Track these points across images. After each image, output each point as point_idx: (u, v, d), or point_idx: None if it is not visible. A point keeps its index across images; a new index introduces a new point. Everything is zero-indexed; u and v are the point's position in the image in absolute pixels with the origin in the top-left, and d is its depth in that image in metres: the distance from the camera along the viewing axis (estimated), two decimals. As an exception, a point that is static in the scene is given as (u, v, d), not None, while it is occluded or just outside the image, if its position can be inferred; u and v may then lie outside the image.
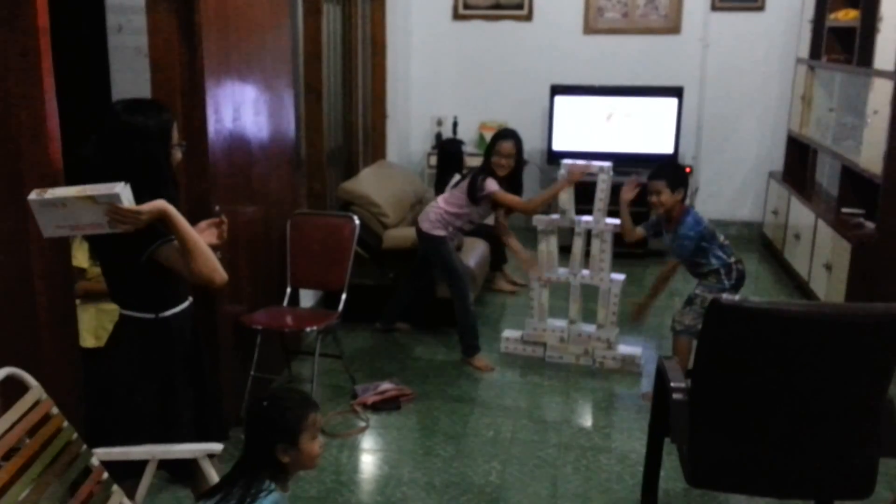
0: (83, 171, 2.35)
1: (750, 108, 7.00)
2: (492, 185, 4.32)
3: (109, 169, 2.28)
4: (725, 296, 2.54)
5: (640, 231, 4.19)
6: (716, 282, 3.87)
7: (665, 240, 4.08)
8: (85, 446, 2.26)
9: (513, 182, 4.45)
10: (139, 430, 2.39)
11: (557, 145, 6.77)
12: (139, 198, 2.21)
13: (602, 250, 4.40)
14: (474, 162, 5.58)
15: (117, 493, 2.30)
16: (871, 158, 4.73)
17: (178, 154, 2.44)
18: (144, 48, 3.32)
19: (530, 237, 5.05)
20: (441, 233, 4.45)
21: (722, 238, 3.92)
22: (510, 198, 4.37)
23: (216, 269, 2.30)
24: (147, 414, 2.42)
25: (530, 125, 7.14)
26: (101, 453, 2.29)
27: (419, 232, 4.54)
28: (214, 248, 2.47)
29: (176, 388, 2.45)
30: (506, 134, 4.44)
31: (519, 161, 4.40)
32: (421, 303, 4.86)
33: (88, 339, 3.26)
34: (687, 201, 4.02)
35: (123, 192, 2.14)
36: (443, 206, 4.47)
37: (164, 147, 2.35)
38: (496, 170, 4.33)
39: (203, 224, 2.58)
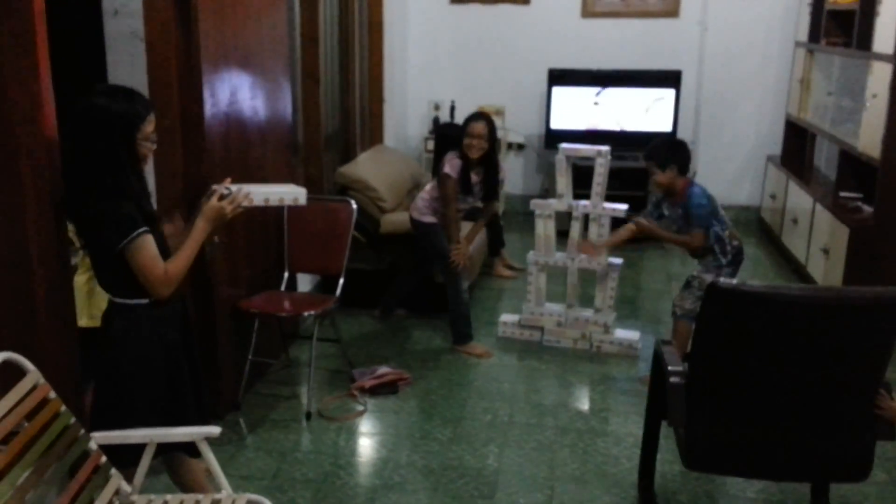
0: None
1: (748, 91, 6.98)
2: (449, 167, 4.31)
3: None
4: (723, 279, 2.54)
5: (627, 231, 4.12)
6: (712, 259, 3.87)
7: (671, 215, 4.00)
8: (83, 430, 2.26)
9: (488, 166, 4.40)
10: (150, 416, 2.39)
11: (556, 125, 6.76)
12: (98, 183, 2.25)
13: (599, 234, 4.39)
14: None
15: (115, 477, 2.31)
16: (869, 142, 4.72)
17: (146, 146, 2.34)
18: (140, 32, 3.30)
19: (528, 221, 5.04)
20: (429, 219, 4.47)
21: (721, 211, 3.91)
22: (449, 191, 4.32)
23: (175, 283, 2.38)
24: (157, 399, 2.42)
25: (528, 109, 7.14)
26: (100, 437, 2.30)
27: (411, 220, 4.57)
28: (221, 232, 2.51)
29: (181, 372, 2.46)
30: (477, 116, 4.40)
31: (492, 145, 4.35)
32: (420, 289, 4.86)
33: (82, 318, 3.22)
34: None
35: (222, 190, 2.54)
36: (428, 193, 4.49)
37: (126, 136, 2.27)
38: (468, 151, 4.29)
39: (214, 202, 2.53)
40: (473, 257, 4.89)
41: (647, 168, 3.93)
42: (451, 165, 4.33)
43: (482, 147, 4.29)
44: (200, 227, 2.45)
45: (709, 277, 3.83)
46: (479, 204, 4.63)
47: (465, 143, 4.30)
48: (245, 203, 2.52)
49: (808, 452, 2.62)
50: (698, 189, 3.86)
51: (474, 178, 4.39)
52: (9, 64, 2.40)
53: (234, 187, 2.54)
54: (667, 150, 3.92)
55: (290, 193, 2.72)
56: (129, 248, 2.28)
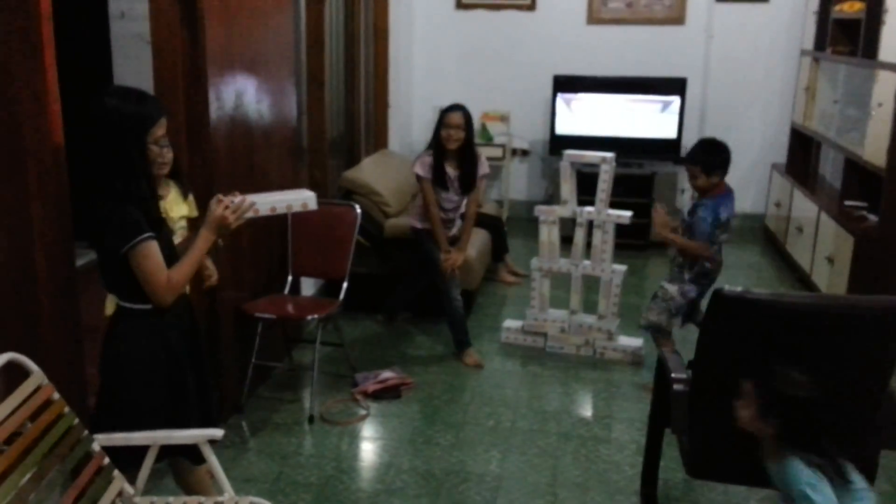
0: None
1: (754, 99, 6.98)
2: (419, 166, 4.33)
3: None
4: (728, 287, 2.52)
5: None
6: (678, 273, 3.92)
7: (685, 207, 3.98)
8: (86, 432, 2.26)
9: (465, 159, 4.36)
10: (151, 420, 2.39)
11: (560, 130, 6.76)
12: (106, 185, 2.24)
13: (604, 241, 4.39)
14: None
15: (118, 479, 2.31)
16: (874, 151, 4.72)
17: (155, 150, 2.32)
18: (146, 35, 3.30)
19: (532, 227, 5.04)
20: (421, 225, 4.50)
21: (720, 237, 3.88)
22: (426, 192, 4.35)
23: (178, 291, 2.36)
24: (158, 403, 2.41)
25: (533, 115, 7.14)
26: (103, 439, 2.30)
27: (410, 226, 4.60)
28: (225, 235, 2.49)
29: (184, 377, 2.45)
30: (453, 106, 4.37)
31: (469, 135, 4.32)
32: (424, 294, 4.85)
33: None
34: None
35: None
36: (419, 198, 4.51)
37: (136, 137, 2.26)
38: (446, 143, 4.28)
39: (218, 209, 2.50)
40: (472, 263, 4.88)
41: (689, 171, 3.89)
42: (422, 164, 4.34)
43: (459, 137, 4.27)
44: (204, 237, 2.41)
45: (671, 288, 3.93)
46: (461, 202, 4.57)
47: (441, 134, 4.29)
48: (250, 214, 2.47)
49: (812, 461, 2.61)
50: (714, 205, 3.81)
51: (451, 171, 4.37)
52: (16, 66, 2.40)
53: (240, 199, 2.48)
54: (714, 155, 3.86)
55: (298, 200, 2.63)
56: (132, 253, 2.26)
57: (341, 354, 4.28)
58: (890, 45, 4.65)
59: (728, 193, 3.90)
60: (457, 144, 4.29)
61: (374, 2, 6.17)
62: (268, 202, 2.56)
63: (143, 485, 2.38)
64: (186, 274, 2.38)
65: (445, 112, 4.34)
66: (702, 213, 3.82)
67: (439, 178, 4.35)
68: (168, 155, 2.48)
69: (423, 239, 4.49)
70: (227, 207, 2.43)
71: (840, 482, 2.16)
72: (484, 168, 4.45)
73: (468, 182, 4.42)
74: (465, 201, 4.54)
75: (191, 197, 2.89)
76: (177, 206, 2.76)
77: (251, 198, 2.50)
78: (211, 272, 2.97)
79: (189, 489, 2.61)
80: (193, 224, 2.79)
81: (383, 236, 5.01)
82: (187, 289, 2.51)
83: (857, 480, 2.21)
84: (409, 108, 7.18)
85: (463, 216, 4.64)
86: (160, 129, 2.32)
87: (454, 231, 4.56)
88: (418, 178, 4.37)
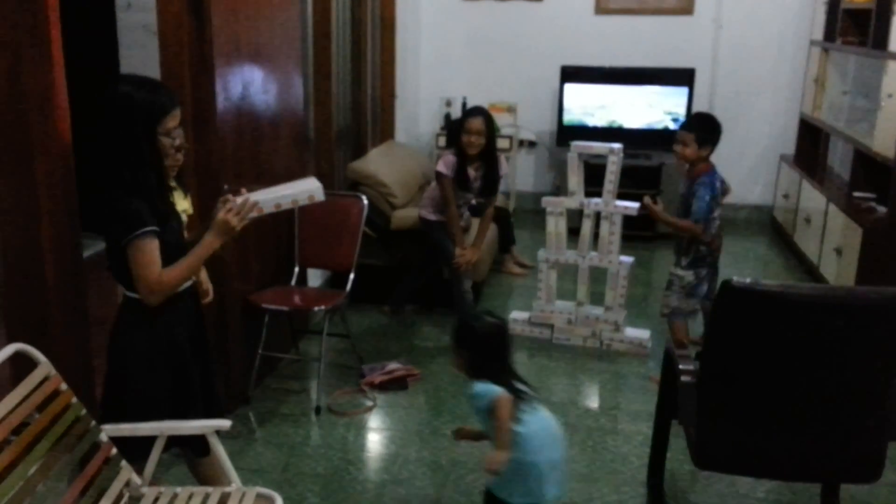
0: None
1: (762, 90, 6.94)
2: (441, 165, 4.32)
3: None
4: (736, 278, 2.51)
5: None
6: (675, 262, 3.99)
7: (680, 186, 4.00)
8: (94, 422, 2.27)
9: (487, 162, 4.36)
10: (154, 411, 2.38)
11: (568, 121, 6.74)
12: (115, 175, 2.21)
13: (611, 232, 4.38)
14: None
15: (125, 470, 2.31)
16: (884, 142, 4.69)
17: (166, 141, 2.26)
18: (153, 25, 3.30)
19: (538, 218, 5.04)
20: (433, 216, 4.48)
21: (717, 213, 3.87)
22: (446, 190, 4.33)
23: (166, 292, 2.31)
24: (162, 395, 2.41)
25: (540, 106, 7.12)
26: (110, 429, 2.30)
27: (419, 216, 4.60)
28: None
29: (187, 368, 2.45)
30: (475, 111, 4.35)
31: (491, 140, 4.30)
32: (430, 285, 4.85)
33: None
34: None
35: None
36: (434, 190, 4.50)
37: (147, 126, 2.22)
38: (467, 148, 4.26)
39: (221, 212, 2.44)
40: (482, 257, 4.87)
41: (680, 136, 3.87)
42: (445, 163, 4.33)
43: (480, 144, 4.26)
44: (207, 243, 2.35)
45: (682, 273, 3.98)
46: (480, 199, 4.58)
47: (463, 139, 4.27)
48: (254, 213, 2.40)
49: (820, 453, 2.61)
50: (711, 181, 3.82)
51: (472, 173, 4.36)
52: (23, 56, 2.40)
53: (242, 199, 2.39)
54: (710, 128, 3.87)
55: (304, 192, 2.51)
56: (129, 246, 2.23)
57: (348, 345, 4.28)
58: (900, 35, 4.61)
59: (716, 170, 3.90)
60: (477, 150, 4.27)
61: (381, -8, 6.15)
62: (272, 199, 2.45)
63: (151, 475, 2.39)
64: (180, 276, 2.32)
65: (466, 117, 4.32)
66: (701, 191, 3.81)
67: (461, 180, 4.34)
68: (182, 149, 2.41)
69: (433, 230, 4.49)
70: (229, 210, 2.35)
71: (525, 402, 2.58)
72: (503, 169, 4.45)
73: (490, 185, 4.41)
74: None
75: (188, 194, 2.87)
76: (179, 200, 2.75)
77: (255, 196, 2.41)
78: (207, 288, 2.77)
79: (201, 478, 2.62)
80: (191, 221, 2.75)
81: (390, 228, 5.00)
82: (192, 279, 2.50)
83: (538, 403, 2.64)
84: (415, 99, 7.16)
85: (470, 208, 4.64)
86: (172, 121, 2.28)
87: (461, 222, 4.56)
88: (439, 175, 4.34)
